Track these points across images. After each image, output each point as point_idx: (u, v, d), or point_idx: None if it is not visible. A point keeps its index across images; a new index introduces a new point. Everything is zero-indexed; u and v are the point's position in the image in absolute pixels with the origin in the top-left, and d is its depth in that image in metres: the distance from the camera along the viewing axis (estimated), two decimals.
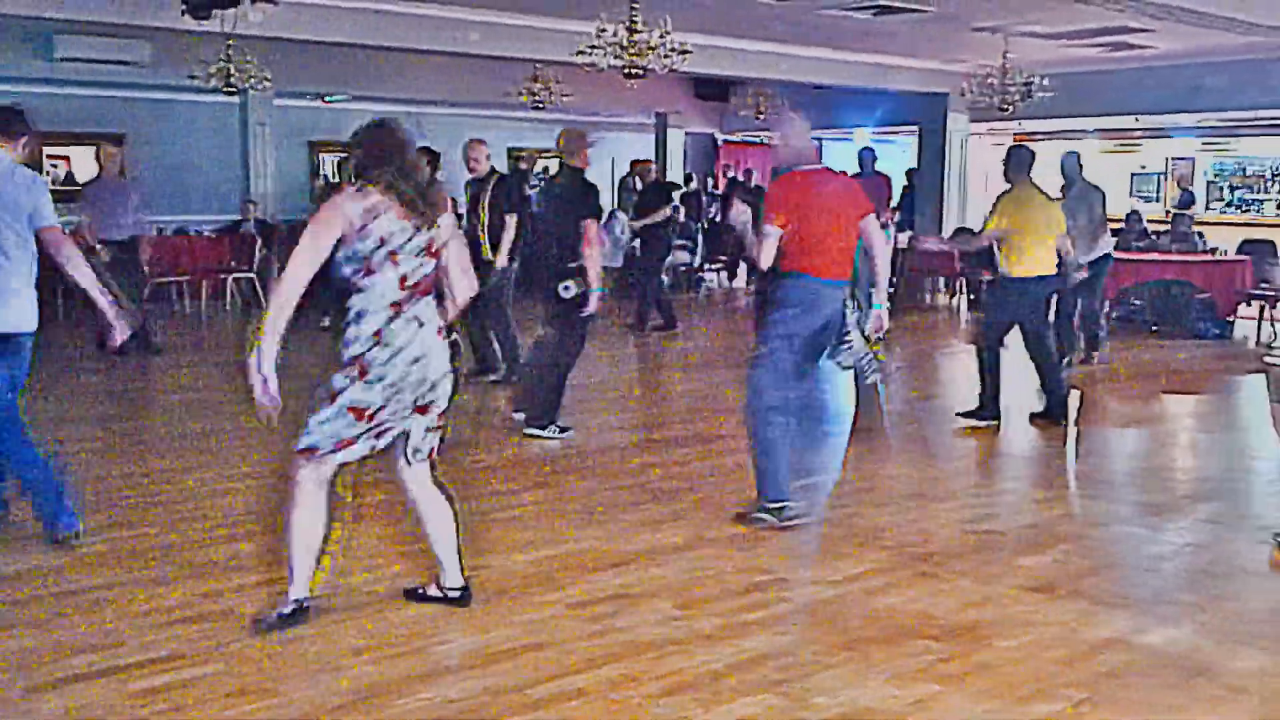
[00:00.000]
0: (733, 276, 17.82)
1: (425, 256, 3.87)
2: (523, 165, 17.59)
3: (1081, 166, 10.33)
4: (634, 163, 17.33)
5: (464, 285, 4.09)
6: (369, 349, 3.80)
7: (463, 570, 4.26)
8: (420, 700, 3.50)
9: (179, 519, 5.36)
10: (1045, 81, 14.14)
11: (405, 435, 4.00)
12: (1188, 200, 18.38)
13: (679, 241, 15.55)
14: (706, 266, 17.75)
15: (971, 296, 15.26)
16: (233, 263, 14.34)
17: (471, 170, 8.96)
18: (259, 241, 14.58)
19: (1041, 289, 7.67)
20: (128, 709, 3.43)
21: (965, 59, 15.50)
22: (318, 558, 4.05)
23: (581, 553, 4.95)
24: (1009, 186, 7.68)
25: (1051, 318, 8.38)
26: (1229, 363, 11.02)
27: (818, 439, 5.41)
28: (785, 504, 5.29)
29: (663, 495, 5.92)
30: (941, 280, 15.95)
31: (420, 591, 4.31)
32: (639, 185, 15.76)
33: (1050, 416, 7.75)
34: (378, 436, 3.94)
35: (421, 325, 3.88)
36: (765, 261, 5.27)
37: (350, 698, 3.51)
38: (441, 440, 4.13)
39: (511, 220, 8.58)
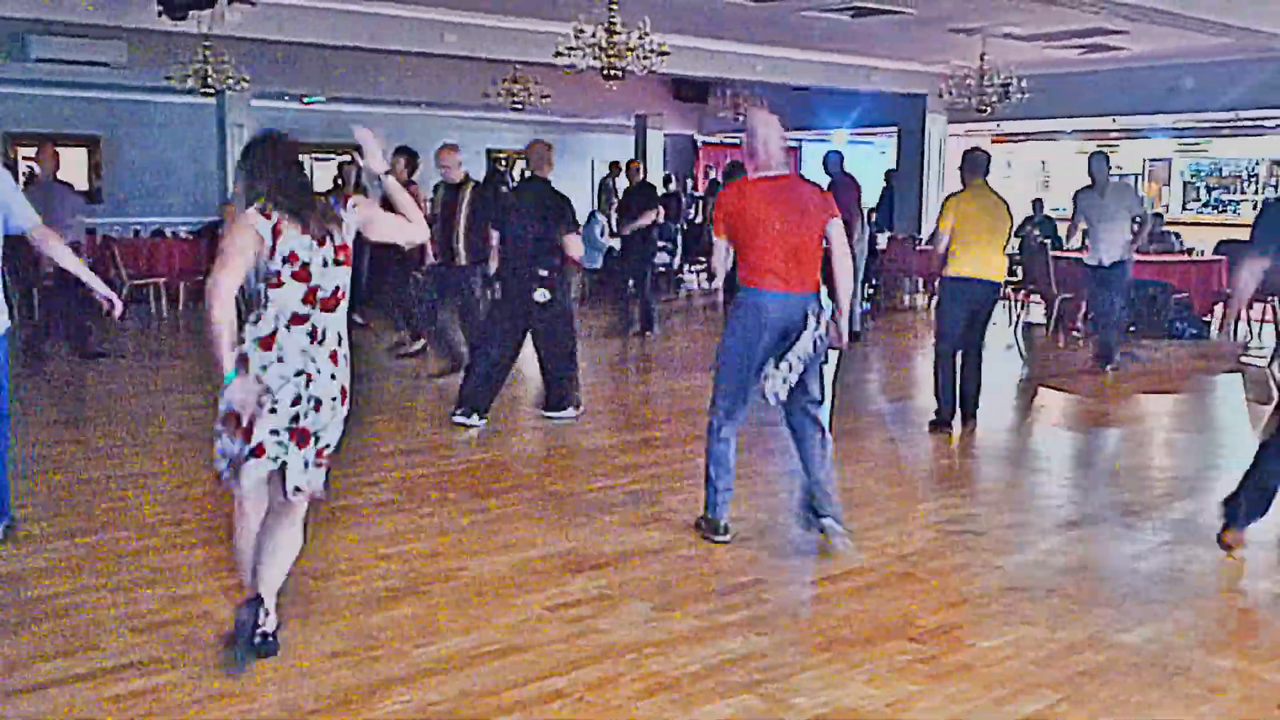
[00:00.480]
0: (712, 278, 17.84)
1: (337, 266, 3.70)
2: (499, 168, 17.57)
3: (1109, 167, 10.21)
4: (614, 164, 17.36)
5: (410, 230, 3.97)
6: (253, 351, 3.60)
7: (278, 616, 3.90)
8: (398, 703, 3.48)
9: (152, 523, 5.31)
10: (1023, 83, 14.23)
11: (283, 467, 3.66)
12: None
13: (659, 243, 15.54)
14: (686, 268, 17.75)
15: None
16: (210, 265, 14.24)
17: (444, 177, 8.89)
18: None
19: (977, 292, 7.53)
20: (103, 714, 3.40)
21: (944, 60, 15.57)
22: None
23: (560, 554, 4.94)
24: (960, 188, 7.72)
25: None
26: (1206, 362, 11.09)
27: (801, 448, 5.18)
28: (714, 522, 5.14)
29: (642, 497, 5.92)
30: (920, 281, 15.98)
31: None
32: (616, 186, 15.78)
33: (936, 424, 7.67)
34: (254, 456, 3.62)
35: (317, 342, 3.67)
36: (718, 272, 5.23)
37: (327, 701, 3.49)
38: (325, 482, 3.80)
39: (495, 236, 8.48)
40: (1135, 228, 9.93)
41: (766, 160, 5.02)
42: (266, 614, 3.77)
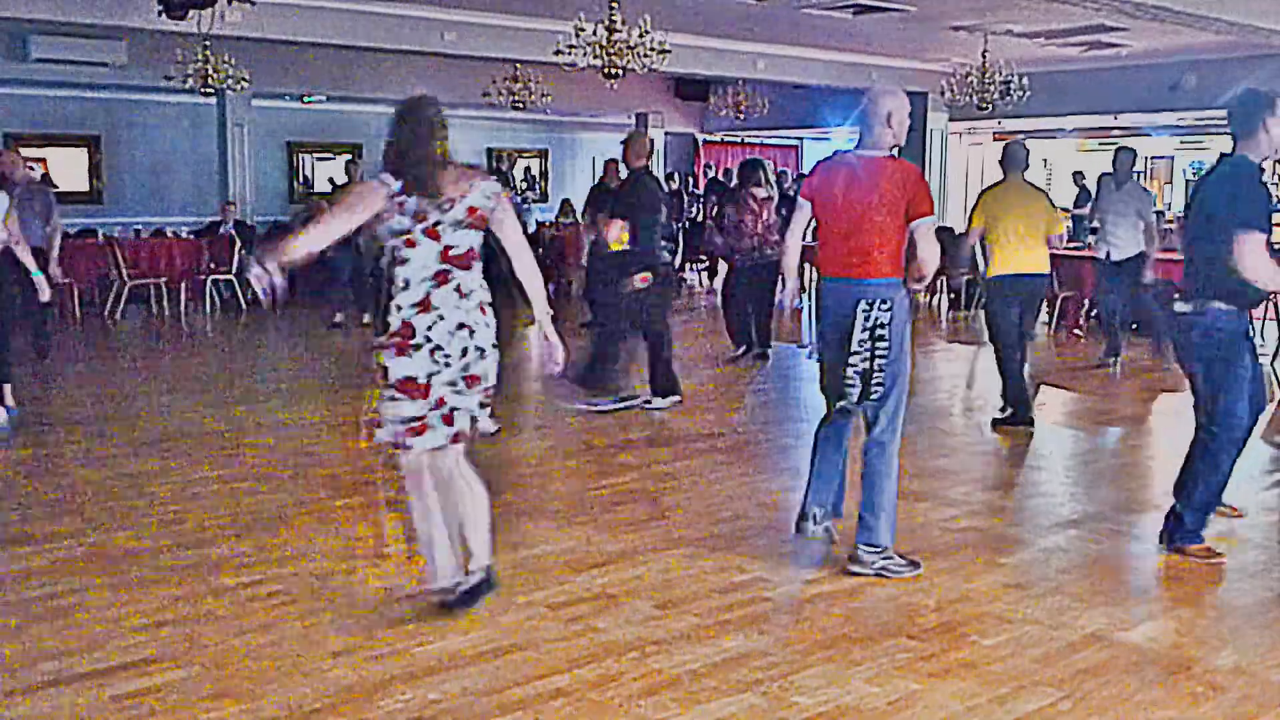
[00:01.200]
0: (713, 276, 17.83)
1: (468, 229, 3.98)
2: (502, 166, 17.56)
3: (1134, 164, 10.17)
4: (609, 163, 17.34)
5: (519, 267, 4.14)
6: (413, 315, 3.91)
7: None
8: (399, 702, 3.49)
9: (153, 523, 5.31)
10: (1024, 80, 14.23)
11: (472, 418, 4.06)
12: (1084, 199, 17.90)
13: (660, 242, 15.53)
14: (688, 266, 17.74)
15: (952, 296, 15.30)
16: (211, 264, 14.26)
17: None
18: (237, 243, 14.51)
19: (1021, 287, 7.49)
20: (106, 713, 3.40)
21: (945, 58, 15.57)
22: (460, 540, 4.17)
23: (561, 553, 4.94)
24: (995, 183, 7.70)
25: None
26: None
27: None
28: (802, 512, 5.02)
29: (643, 496, 5.92)
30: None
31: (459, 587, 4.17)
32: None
33: (1012, 422, 7.60)
34: (448, 422, 4.00)
35: (464, 296, 3.97)
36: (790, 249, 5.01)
37: (329, 700, 3.49)
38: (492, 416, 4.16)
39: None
40: (1142, 228, 9.91)
41: (869, 139, 4.77)
42: (470, 573, 4.17)
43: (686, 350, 11.61)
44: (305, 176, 19.44)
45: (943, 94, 15.17)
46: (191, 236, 15.27)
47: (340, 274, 12.06)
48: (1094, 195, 10.13)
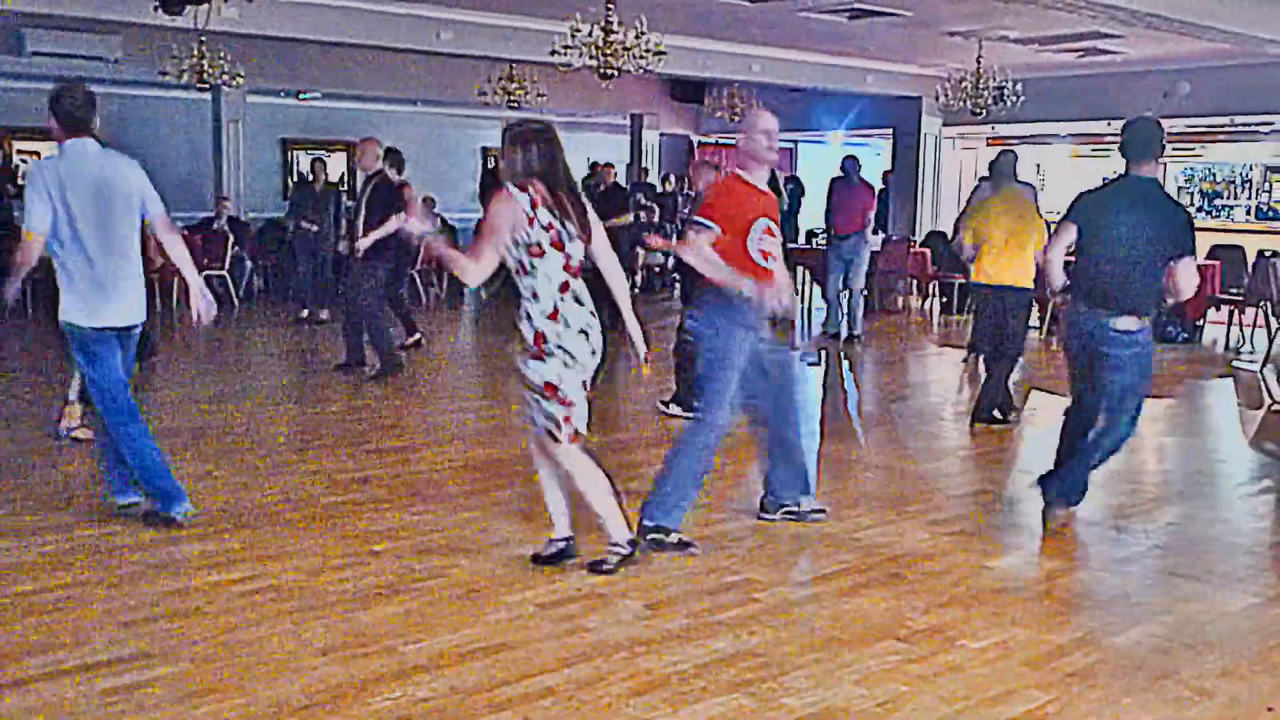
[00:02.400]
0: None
1: (578, 241, 4.34)
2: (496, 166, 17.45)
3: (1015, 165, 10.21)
4: (594, 165, 17.36)
5: (609, 272, 4.55)
6: (545, 325, 4.30)
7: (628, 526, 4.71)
8: (388, 700, 3.49)
9: (140, 517, 5.30)
10: (1018, 86, 14.25)
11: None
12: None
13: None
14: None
15: (944, 300, 15.34)
16: (205, 260, 14.22)
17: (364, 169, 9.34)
18: (231, 239, 14.48)
19: (990, 299, 7.64)
20: (95, 708, 3.40)
21: (939, 63, 15.60)
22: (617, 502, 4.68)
23: None
24: (985, 193, 7.82)
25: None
26: (1197, 367, 11.12)
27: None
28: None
29: (633, 495, 5.90)
30: (914, 283, 16.01)
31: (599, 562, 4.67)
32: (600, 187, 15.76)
33: (985, 420, 7.83)
34: (573, 408, 4.42)
35: (581, 303, 4.36)
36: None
37: (318, 697, 3.49)
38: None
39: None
40: None
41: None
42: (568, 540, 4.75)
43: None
44: (300, 173, 19.42)
45: (937, 99, 15.20)
46: (185, 232, 15.22)
47: (297, 264, 12.13)
48: (967, 201, 10.11)
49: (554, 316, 4.30)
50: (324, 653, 3.83)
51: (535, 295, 4.30)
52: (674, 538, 4.95)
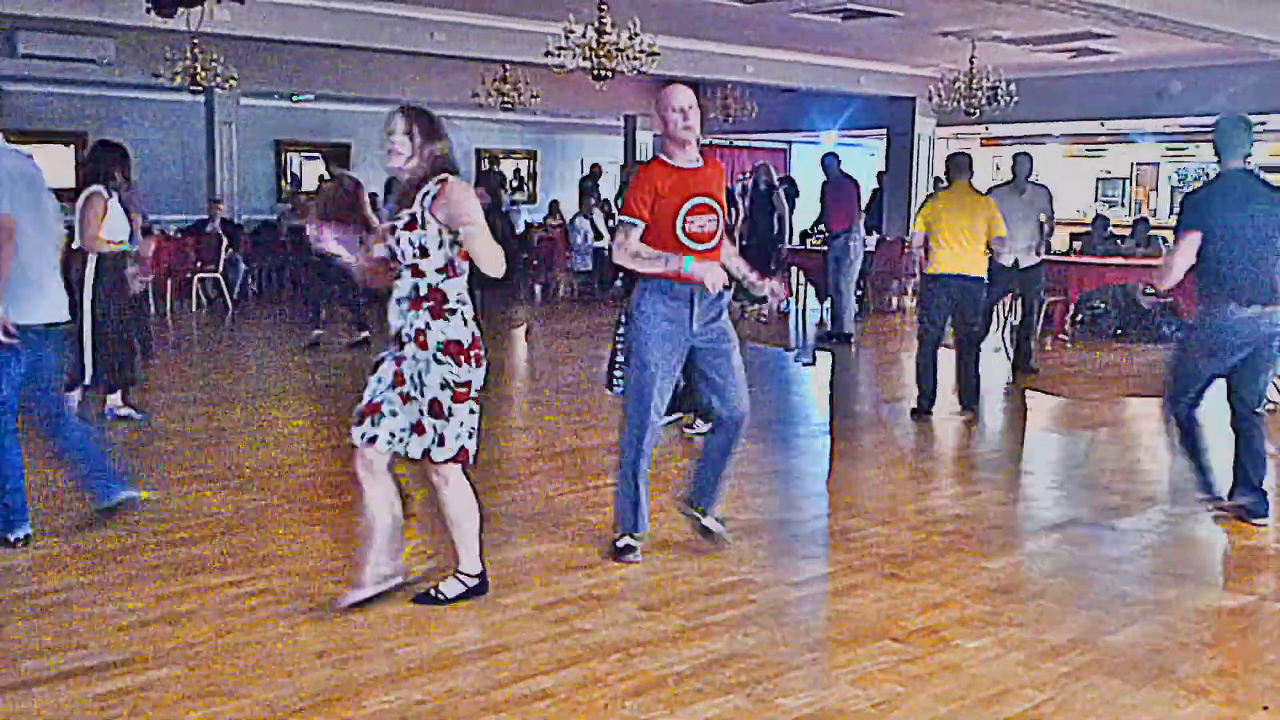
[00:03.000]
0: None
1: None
2: (491, 167, 17.53)
3: (1031, 169, 10.29)
4: (595, 166, 17.42)
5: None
6: (476, 331, 4.06)
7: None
8: (383, 703, 3.48)
9: (137, 522, 5.28)
10: (1011, 86, 14.27)
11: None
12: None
13: None
14: None
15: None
16: (198, 263, 14.22)
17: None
18: (224, 241, 14.46)
19: (954, 288, 7.88)
20: (88, 712, 3.39)
21: (933, 63, 15.62)
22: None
23: (547, 554, 4.94)
24: (940, 188, 8.03)
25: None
26: None
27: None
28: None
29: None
30: (908, 283, 16.01)
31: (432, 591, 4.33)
32: (600, 188, 15.76)
33: (920, 410, 8.12)
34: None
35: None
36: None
37: (313, 700, 3.48)
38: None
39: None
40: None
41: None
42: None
43: None
44: (293, 175, 19.41)
45: (931, 99, 15.22)
46: (179, 234, 15.21)
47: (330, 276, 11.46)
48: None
49: (477, 318, 4.13)
50: (319, 655, 3.82)
51: (461, 299, 4.05)
52: (622, 541, 4.89)
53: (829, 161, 12.13)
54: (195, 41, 12.46)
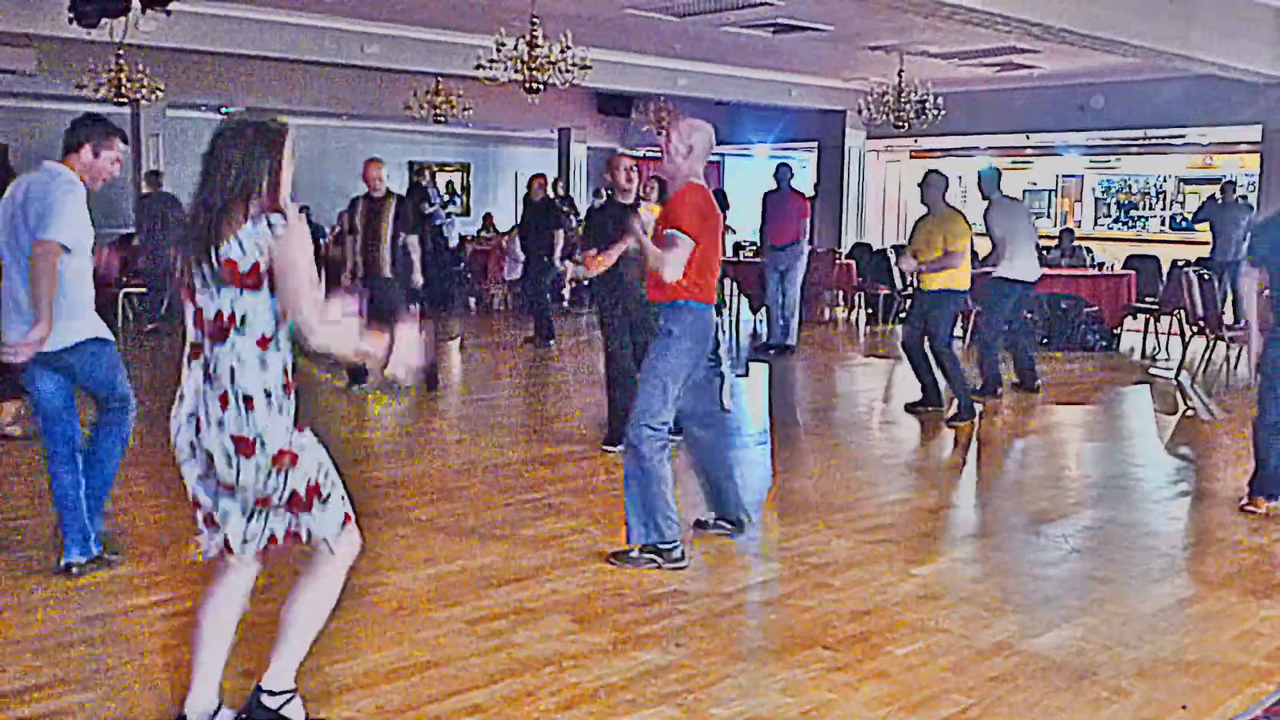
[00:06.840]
0: None
1: None
2: (421, 181, 17.41)
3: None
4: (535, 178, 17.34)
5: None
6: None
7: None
8: None
9: (60, 540, 5.18)
10: (939, 100, 14.49)
11: None
12: None
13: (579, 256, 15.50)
14: None
15: (869, 311, 15.51)
16: (124, 277, 13.97)
17: (370, 190, 8.90)
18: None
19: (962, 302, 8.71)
20: None
21: (862, 77, 15.81)
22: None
23: (480, 568, 4.92)
24: (927, 212, 8.64)
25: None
26: (1115, 374, 11.36)
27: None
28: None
29: (561, 510, 5.91)
30: (840, 295, 16.17)
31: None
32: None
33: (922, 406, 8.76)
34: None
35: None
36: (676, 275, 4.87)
37: None
38: None
39: (415, 240, 8.97)
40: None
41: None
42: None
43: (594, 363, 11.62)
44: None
45: (860, 112, 15.39)
46: (106, 249, 14.92)
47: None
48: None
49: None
50: (247, 674, 3.77)
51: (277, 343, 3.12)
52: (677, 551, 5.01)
53: (781, 173, 12.12)
54: (120, 52, 12.27)
